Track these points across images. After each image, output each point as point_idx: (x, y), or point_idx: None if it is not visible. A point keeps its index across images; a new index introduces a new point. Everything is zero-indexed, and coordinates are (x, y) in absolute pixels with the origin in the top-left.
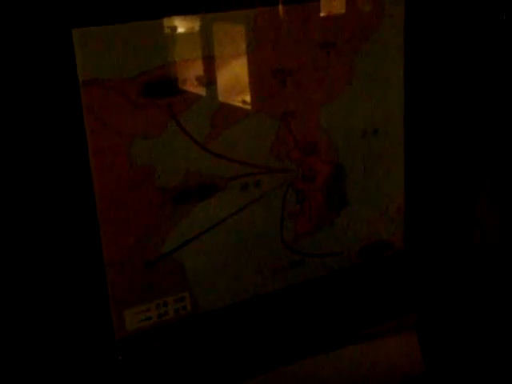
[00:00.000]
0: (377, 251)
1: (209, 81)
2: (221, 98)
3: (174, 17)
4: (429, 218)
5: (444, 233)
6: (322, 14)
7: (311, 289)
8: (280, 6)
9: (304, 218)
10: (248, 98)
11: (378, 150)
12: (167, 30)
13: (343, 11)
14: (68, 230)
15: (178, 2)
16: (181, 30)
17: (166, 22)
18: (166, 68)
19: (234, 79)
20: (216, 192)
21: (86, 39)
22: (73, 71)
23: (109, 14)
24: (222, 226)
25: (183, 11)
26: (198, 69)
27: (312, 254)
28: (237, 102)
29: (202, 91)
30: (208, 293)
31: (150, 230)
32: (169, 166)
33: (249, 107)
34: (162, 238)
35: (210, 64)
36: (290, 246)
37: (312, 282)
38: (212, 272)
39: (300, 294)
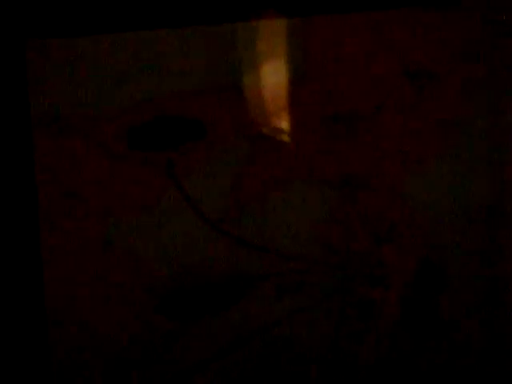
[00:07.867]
0: None
1: (234, 126)
2: (249, 156)
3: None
4: None
5: None
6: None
7: None
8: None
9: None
10: (291, 157)
11: (498, 238)
12: (168, 42)
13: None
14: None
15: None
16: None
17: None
18: (166, 102)
19: (272, 126)
20: (238, 300)
21: (46, 53)
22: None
23: (82, 23)
24: (242, 353)
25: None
26: (216, 106)
27: None
28: (272, 162)
29: (220, 142)
30: None
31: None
32: (161, 256)
33: (291, 170)
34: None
35: (234, 99)
36: None
37: None
38: None
39: None
